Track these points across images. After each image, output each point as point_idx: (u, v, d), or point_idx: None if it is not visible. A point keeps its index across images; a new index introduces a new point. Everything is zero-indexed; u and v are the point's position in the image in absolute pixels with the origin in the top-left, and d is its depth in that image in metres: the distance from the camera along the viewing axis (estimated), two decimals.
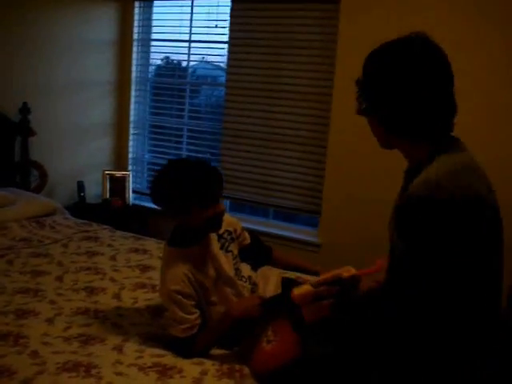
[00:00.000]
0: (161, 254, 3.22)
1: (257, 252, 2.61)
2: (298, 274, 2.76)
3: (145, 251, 3.35)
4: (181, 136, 4.69)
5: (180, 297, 2.14)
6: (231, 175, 4.30)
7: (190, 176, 2.13)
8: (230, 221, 2.48)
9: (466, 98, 2.06)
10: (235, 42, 4.25)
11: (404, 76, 1.48)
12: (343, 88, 3.80)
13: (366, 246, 3.78)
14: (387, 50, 1.58)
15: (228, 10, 4.26)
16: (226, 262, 2.35)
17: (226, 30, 4.28)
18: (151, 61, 4.85)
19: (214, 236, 2.35)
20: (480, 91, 3.42)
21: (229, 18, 4.25)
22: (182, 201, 2.12)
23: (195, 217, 2.15)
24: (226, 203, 4.48)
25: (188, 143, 4.67)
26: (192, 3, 4.50)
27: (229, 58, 4.29)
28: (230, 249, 2.41)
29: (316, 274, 2.62)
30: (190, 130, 4.65)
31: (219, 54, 4.44)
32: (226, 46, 4.31)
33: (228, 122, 4.32)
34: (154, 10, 4.74)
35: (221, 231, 2.38)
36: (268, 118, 4.14)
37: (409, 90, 1.47)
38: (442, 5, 3.51)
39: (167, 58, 4.86)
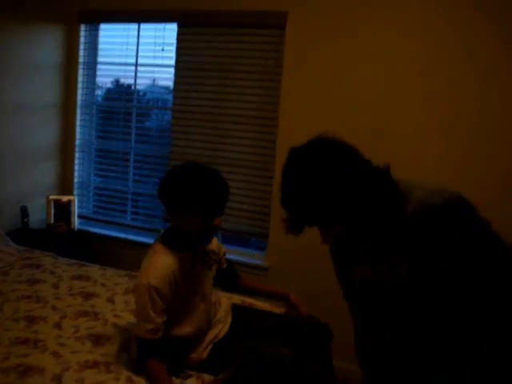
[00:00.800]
0: (104, 281, 3.21)
1: (228, 277, 2.67)
2: (247, 299, 2.79)
3: (88, 278, 3.29)
4: (128, 160, 4.64)
5: (156, 295, 2.14)
6: None
7: (196, 181, 2.17)
8: (216, 243, 2.56)
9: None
10: (181, 65, 4.24)
11: (321, 178, 1.52)
12: (288, 112, 3.84)
13: (312, 270, 3.80)
14: (295, 164, 1.59)
15: (174, 33, 4.25)
16: (206, 279, 2.43)
17: (173, 54, 4.27)
18: (98, 84, 4.80)
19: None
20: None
21: (175, 42, 4.24)
22: (181, 202, 2.17)
23: (189, 222, 2.19)
24: None
25: (135, 167, 4.62)
26: (139, 27, 4.48)
27: (175, 82, 4.27)
28: (212, 268, 2.49)
29: (287, 298, 2.66)
30: (137, 154, 4.60)
31: (168, 78, 4.42)
32: (172, 69, 4.30)
33: (175, 146, 4.30)
34: (101, 33, 4.70)
35: (209, 248, 2.46)
36: (215, 141, 4.14)
37: (337, 185, 1.51)
38: (388, 32, 3.59)
39: (114, 81, 4.81)
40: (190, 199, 2.16)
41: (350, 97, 3.68)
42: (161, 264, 2.21)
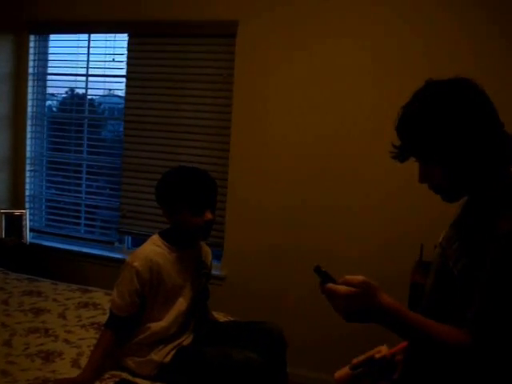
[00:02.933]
0: (55, 296, 3.16)
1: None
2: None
3: (39, 293, 3.23)
4: (80, 172, 4.57)
5: (135, 276, 2.29)
6: (132, 210, 4.24)
7: (183, 184, 2.35)
8: (210, 259, 2.73)
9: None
10: (133, 75, 4.22)
11: (468, 111, 1.40)
12: (240, 120, 3.84)
13: (269, 278, 3.81)
14: (439, 91, 1.45)
15: (125, 43, 4.22)
16: (194, 283, 2.51)
17: (124, 64, 4.24)
18: (48, 95, 4.73)
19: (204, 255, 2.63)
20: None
21: (126, 52, 4.21)
22: (174, 201, 2.35)
23: (184, 220, 2.36)
24: (127, 239, 4.40)
25: (87, 179, 4.56)
26: (89, 37, 4.44)
27: (127, 92, 4.24)
28: (201, 276, 2.59)
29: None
30: (90, 166, 4.54)
31: (123, 88, 4.38)
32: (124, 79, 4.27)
33: (127, 157, 4.26)
34: (51, 43, 4.63)
35: (204, 258, 2.63)
36: (168, 151, 4.11)
37: (479, 126, 1.40)
38: (337, 43, 3.63)
39: (65, 92, 4.75)
40: (178, 196, 2.34)
41: (301, 104, 3.70)
42: (148, 251, 2.38)
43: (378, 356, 1.71)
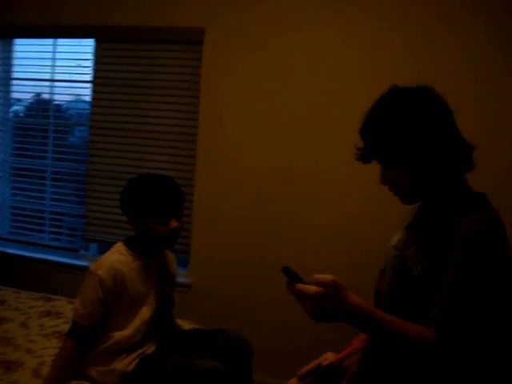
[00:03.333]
0: (17, 305, 3.11)
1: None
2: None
3: (1, 302, 3.19)
4: (45, 178, 4.51)
5: (98, 284, 2.26)
6: (98, 217, 4.19)
7: (148, 191, 2.33)
8: (175, 268, 2.71)
9: None
10: (99, 81, 4.18)
11: (428, 118, 1.47)
12: (207, 127, 3.84)
13: (236, 285, 3.80)
14: (403, 97, 1.51)
15: (91, 49, 4.18)
16: (158, 292, 2.49)
17: (90, 70, 4.20)
18: (13, 100, 4.65)
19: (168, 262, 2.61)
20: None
21: (92, 58, 4.18)
22: (139, 208, 2.33)
23: (150, 228, 2.34)
24: (93, 246, 4.35)
25: (53, 185, 4.50)
26: (55, 42, 4.39)
27: (93, 98, 4.20)
28: (165, 286, 2.57)
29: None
30: (55, 172, 4.48)
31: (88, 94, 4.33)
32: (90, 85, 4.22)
33: (92, 163, 4.21)
34: (15, 48, 4.57)
35: (169, 267, 2.61)
36: (134, 158, 4.08)
37: (433, 131, 1.47)
38: (300, 48, 3.64)
39: (31, 97, 4.68)
40: (143, 203, 2.32)
41: (269, 113, 3.71)
42: (112, 259, 2.35)
43: (325, 363, 1.73)
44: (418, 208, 1.68)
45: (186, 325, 2.88)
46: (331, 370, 1.72)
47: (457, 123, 1.52)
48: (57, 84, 4.45)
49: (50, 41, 4.40)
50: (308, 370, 1.74)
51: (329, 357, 1.76)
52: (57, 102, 4.57)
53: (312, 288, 1.32)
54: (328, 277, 1.34)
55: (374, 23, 3.46)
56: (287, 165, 3.68)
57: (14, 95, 4.64)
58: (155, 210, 2.32)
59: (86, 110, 4.39)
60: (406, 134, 1.46)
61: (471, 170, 1.53)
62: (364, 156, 1.58)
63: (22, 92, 4.64)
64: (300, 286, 1.34)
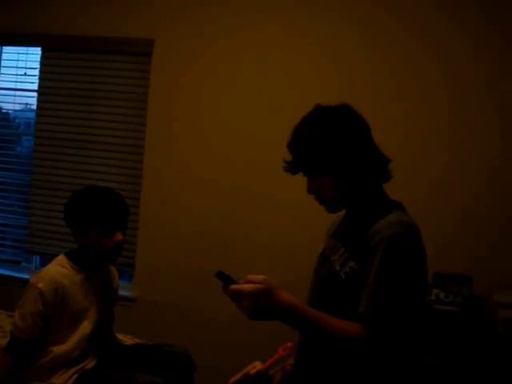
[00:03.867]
0: None
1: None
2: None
3: None
4: None
5: (39, 297, 2.20)
6: (41, 229, 4.11)
7: (93, 202, 2.29)
8: (117, 284, 2.66)
9: None
10: (45, 90, 4.11)
11: (351, 132, 1.62)
12: (154, 139, 3.82)
13: (180, 299, 3.77)
14: (327, 114, 1.67)
15: (38, 58, 4.12)
16: (101, 306, 2.43)
17: (36, 79, 4.13)
18: None
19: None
20: None
21: (39, 67, 4.11)
22: (83, 220, 2.28)
23: (94, 241, 2.29)
24: (35, 259, 4.26)
25: None
26: (0, 50, 4.30)
27: (38, 107, 4.13)
28: (106, 299, 2.51)
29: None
30: None
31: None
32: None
33: (37, 174, 4.13)
34: None
35: (112, 282, 2.57)
36: (80, 169, 4.02)
37: (356, 144, 1.62)
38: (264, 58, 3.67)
39: None
40: (88, 215, 2.27)
41: (217, 126, 3.72)
42: (53, 272, 2.29)
43: (252, 372, 1.78)
44: (343, 217, 1.82)
45: (127, 340, 2.84)
46: (259, 379, 1.77)
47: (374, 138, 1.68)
48: (3, 92, 4.36)
49: None
50: (236, 379, 1.79)
51: (256, 365, 1.81)
52: (3, 111, 4.48)
53: (246, 286, 1.38)
54: (260, 277, 1.41)
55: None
56: (236, 179, 3.68)
57: None
58: (99, 222, 2.28)
59: (33, 119, 4.30)
60: (329, 145, 1.60)
61: (388, 180, 1.68)
62: (291, 168, 1.71)
63: None
64: (234, 286, 1.40)
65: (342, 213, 1.79)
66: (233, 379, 1.79)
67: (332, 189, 1.65)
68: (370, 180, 1.66)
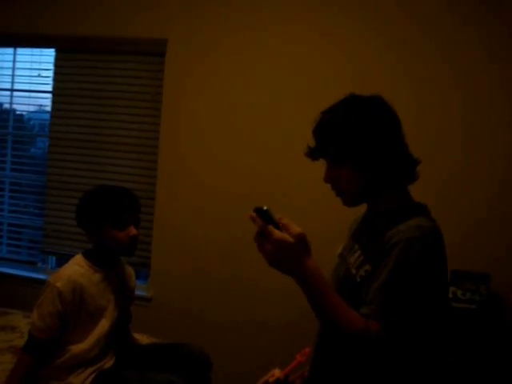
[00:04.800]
0: None
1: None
2: None
3: None
4: (3, 189, 4.41)
5: (57, 297, 2.22)
6: (57, 230, 4.12)
7: (104, 198, 2.34)
8: (134, 282, 2.68)
9: None
10: (59, 91, 4.13)
11: (380, 124, 1.55)
12: (169, 139, 3.82)
13: (196, 299, 3.77)
14: (358, 102, 1.60)
15: (52, 59, 4.14)
16: (118, 305, 2.45)
17: (51, 80, 4.15)
18: None
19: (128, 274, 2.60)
20: None
21: (53, 68, 4.13)
22: (95, 218, 2.32)
23: (108, 238, 2.31)
24: (51, 259, 4.28)
25: (11, 197, 4.41)
26: (15, 51, 4.33)
27: (53, 108, 4.14)
28: (125, 299, 2.54)
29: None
30: (13, 183, 4.40)
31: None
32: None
33: (52, 175, 4.15)
34: None
35: (129, 282, 2.58)
36: (94, 169, 4.03)
37: (389, 138, 1.55)
38: (270, 57, 3.65)
39: None
40: (100, 212, 2.31)
41: (233, 126, 3.71)
42: (71, 271, 2.31)
43: (271, 380, 1.75)
44: (363, 217, 1.76)
45: (144, 339, 2.85)
46: None
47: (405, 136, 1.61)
48: (17, 94, 4.38)
49: (10, 50, 4.34)
50: None
51: (275, 373, 1.78)
52: (18, 112, 4.50)
53: (277, 232, 1.31)
54: (298, 228, 1.34)
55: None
56: (252, 180, 3.67)
57: None
58: (112, 218, 2.31)
59: (47, 120, 4.32)
60: (356, 134, 1.53)
61: (413, 181, 1.61)
62: (313, 153, 1.65)
63: None
64: (271, 227, 1.32)
65: (364, 209, 1.73)
66: None
67: (351, 180, 1.58)
68: (394, 178, 1.59)
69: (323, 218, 3.44)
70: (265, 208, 1.32)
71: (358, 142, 1.53)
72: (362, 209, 1.72)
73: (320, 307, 1.39)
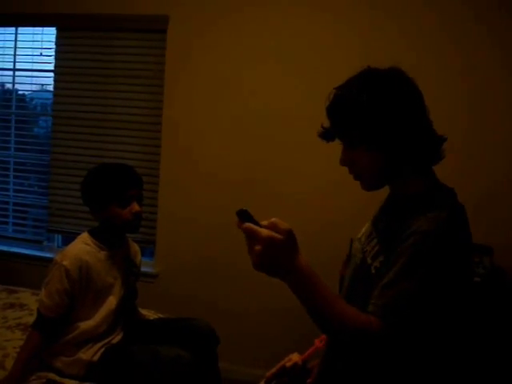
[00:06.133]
0: None
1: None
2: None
3: None
4: (7, 169, 4.43)
5: (65, 275, 2.25)
6: (62, 208, 4.14)
7: (107, 176, 2.37)
8: (139, 259, 2.73)
9: None
10: (61, 70, 4.11)
11: (401, 99, 1.42)
12: (171, 116, 3.82)
13: (202, 275, 3.80)
14: (375, 76, 1.46)
15: (53, 37, 4.12)
16: (124, 282, 2.50)
17: (53, 59, 4.13)
18: None
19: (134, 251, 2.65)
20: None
21: (54, 46, 4.11)
22: (100, 196, 2.35)
23: (113, 215, 2.35)
24: (57, 238, 4.31)
25: (15, 176, 4.42)
26: (16, 30, 4.30)
27: (55, 87, 4.13)
28: (131, 275, 2.58)
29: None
30: (18, 163, 4.41)
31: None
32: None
33: (55, 153, 4.16)
34: None
35: (133, 257, 2.62)
36: (98, 147, 4.03)
37: (410, 115, 1.42)
38: (273, 33, 3.63)
39: None
40: (104, 190, 2.34)
41: (234, 98, 3.71)
42: (77, 250, 2.34)
43: (289, 364, 1.77)
44: (383, 202, 1.66)
45: (151, 315, 2.88)
46: (296, 371, 1.75)
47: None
48: (19, 73, 4.37)
49: (11, 29, 4.31)
50: (273, 372, 1.77)
51: (293, 357, 1.78)
52: (20, 92, 4.50)
53: (263, 231, 1.21)
54: (285, 224, 1.23)
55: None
56: (255, 161, 3.68)
57: None
58: (116, 195, 2.34)
59: (50, 99, 4.31)
60: (378, 112, 1.41)
61: (439, 161, 1.49)
62: (327, 134, 1.53)
63: None
64: (251, 225, 1.21)
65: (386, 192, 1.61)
66: (269, 373, 1.76)
67: (369, 162, 1.46)
68: (417, 158, 1.46)
69: (323, 206, 3.47)
70: (244, 209, 1.23)
71: (375, 119, 1.41)
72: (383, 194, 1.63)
73: (314, 306, 1.30)
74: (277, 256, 1.21)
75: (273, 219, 1.23)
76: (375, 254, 1.47)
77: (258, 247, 1.20)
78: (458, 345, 1.48)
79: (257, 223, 1.22)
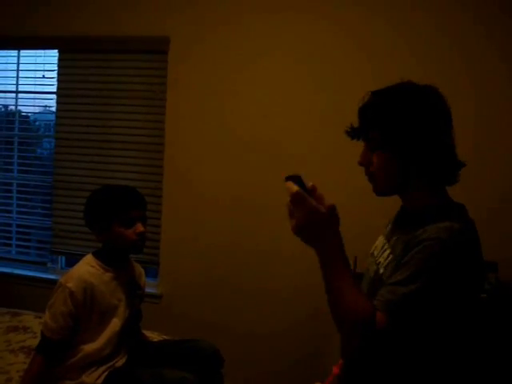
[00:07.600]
0: None
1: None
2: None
3: None
4: (11, 191, 4.43)
5: (69, 298, 2.24)
6: (65, 230, 4.14)
7: (111, 197, 2.37)
8: (144, 281, 2.70)
9: None
10: (64, 92, 4.14)
11: (432, 116, 1.50)
12: (174, 137, 3.82)
13: (207, 296, 3.78)
14: (412, 89, 1.54)
15: (55, 60, 4.14)
16: (128, 304, 2.47)
17: (55, 81, 4.16)
18: None
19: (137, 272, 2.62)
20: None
21: (56, 68, 4.14)
22: (103, 218, 2.34)
23: (116, 236, 2.34)
24: (61, 259, 4.30)
25: (18, 198, 4.43)
26: (18, 53, 4.34)
27: (57, 109, 4.16)
28: (135, 297, 2.55)
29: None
30: (20, 185, 4.42)
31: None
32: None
33: (58, 175, 4.16)
34: None
35: (138, 279, 2.60)
36: (100, 168, 4.04)
37: (436, 133, 1.49)
38: (271, 56, 3.65)
39: None
40: (107, 211, 2.34)
41: (235, 119, 3.71)
42: (82, 271, 2.33)
43: None
44: (396, 215, 1.71)
45: (155, 336, 2.87)
46: None
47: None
48: (22, 95, 4.39)
49: (13, 52, 4.35)
50: None
51: None
52: (23, 114, 4.52)
53: (312, 201, 1.30)
54: (330, 201, 1.33)
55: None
56: (263, 174, 3.67)
57: None
58: (119, 216, 2.34)
59: (53, 121, 4.33)
60: (406, 122, 1.48)
61: (453, 184, 1.56)
62: (353, 132, 1.60)
63: None
64: (303, 192, 1.30)
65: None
66: None
67: (386, 167, 1.53)
68: (433, 176, 1.53)
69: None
70: (298, 174, 1.32)
71: (402, 128, 1.48)
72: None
73: (333, 284, 1.35)
74: (315, 226, 1.31)
75: (320, 192, 1.34)
76: (388, 264, 1.53)
77: (300, 214, 1.30)
78: (462, 357, 1.51)
79: (307, 191, 1.31)
